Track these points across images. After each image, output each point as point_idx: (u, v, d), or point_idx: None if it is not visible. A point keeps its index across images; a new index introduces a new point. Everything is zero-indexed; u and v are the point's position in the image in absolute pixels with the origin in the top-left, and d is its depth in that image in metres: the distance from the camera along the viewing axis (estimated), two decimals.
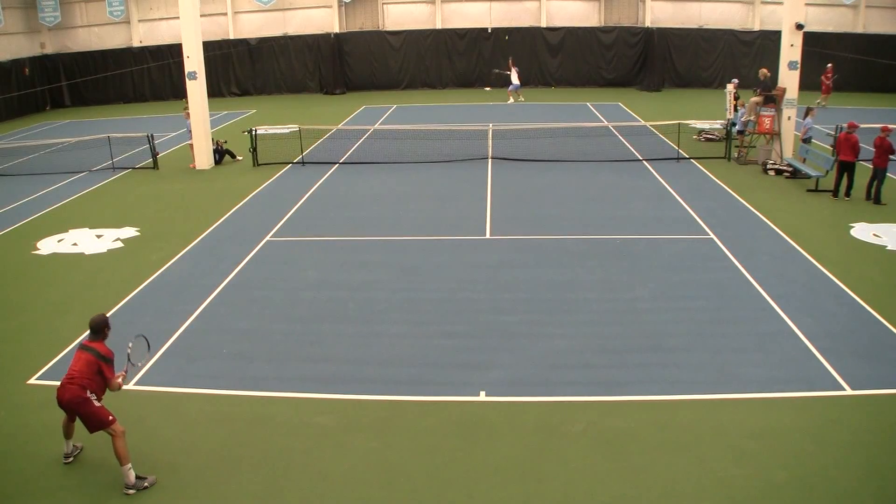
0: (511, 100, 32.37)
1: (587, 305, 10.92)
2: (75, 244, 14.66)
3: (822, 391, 8.39)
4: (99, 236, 15.11)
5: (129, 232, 15.27)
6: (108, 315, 7.74)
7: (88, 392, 6.97)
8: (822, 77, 29.44)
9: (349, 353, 9.65)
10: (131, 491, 6.92)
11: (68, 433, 7.45)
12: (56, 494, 6.98)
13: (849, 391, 8.38)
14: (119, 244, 14.54)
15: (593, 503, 6.70)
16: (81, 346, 7.25)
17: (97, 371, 7.03)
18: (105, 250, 14.22)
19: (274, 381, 8.97)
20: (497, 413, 8.16)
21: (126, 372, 7.36)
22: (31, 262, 13.80)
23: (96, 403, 7.03)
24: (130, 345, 7.35)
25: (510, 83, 32.76)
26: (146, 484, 7.00)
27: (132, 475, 6.97)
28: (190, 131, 21.35)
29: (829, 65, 29.36)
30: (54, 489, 7.06)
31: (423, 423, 8.01)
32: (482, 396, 8.48)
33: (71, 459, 7.48)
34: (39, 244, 14.69)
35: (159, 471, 7.26)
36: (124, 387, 8.81)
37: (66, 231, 15.52)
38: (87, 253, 14.12)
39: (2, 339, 10.48)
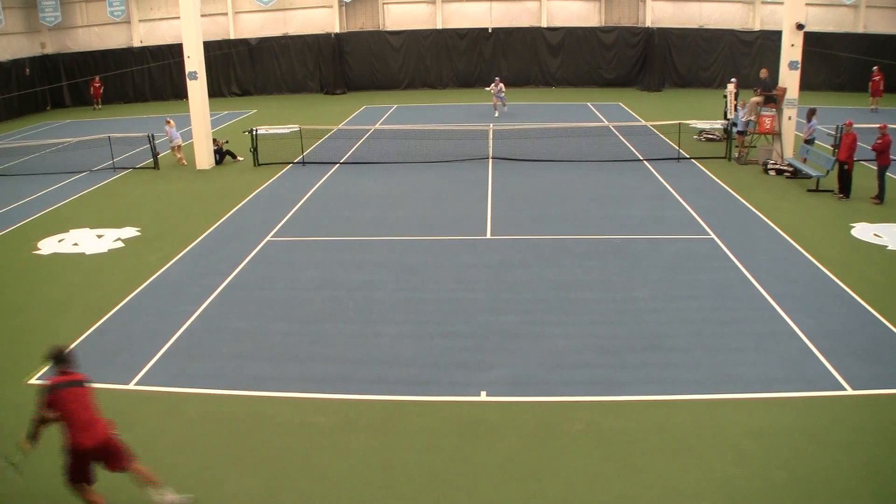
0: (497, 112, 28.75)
1: (587, 305, 10.92)
2: (76, 244, 14.66)
3: (822, 391, 8.39)
4: (99, 236, 15.11)
5: (130, 232, 15.27)
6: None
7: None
8: (871, 80, 29.12)
9: (349, 353, 9.65)
10: None
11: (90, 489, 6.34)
12: (57, 493, 6.97)
13: (849, 391, 8.38)
14: (120, 244, 14.54)
15: (593, 503, 6.70)
16: (71, 384, 6.22)
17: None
18: (106, 250, 14.22)
19: (274, 381, 8.96)
20: (497, 413, 8.15)
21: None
22: (31, 261, 13.80)
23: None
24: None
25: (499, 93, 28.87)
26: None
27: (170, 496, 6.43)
28: (171, 139, 21.77)
29: (875, 67, 29.15)
30: (55, 489, 7.05)
31: (422, 423, 8.01)
32: (482, 396, 8.48)
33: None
34: (40, 244, 14.70)
35: (159, 471, 7.25)
36: (124, 387, 8.88)
37: (67, 231, 15.53)
38: (87, 253, 14.12)
39: (2, 338, 10.48)
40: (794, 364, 9.00)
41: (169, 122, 21.98)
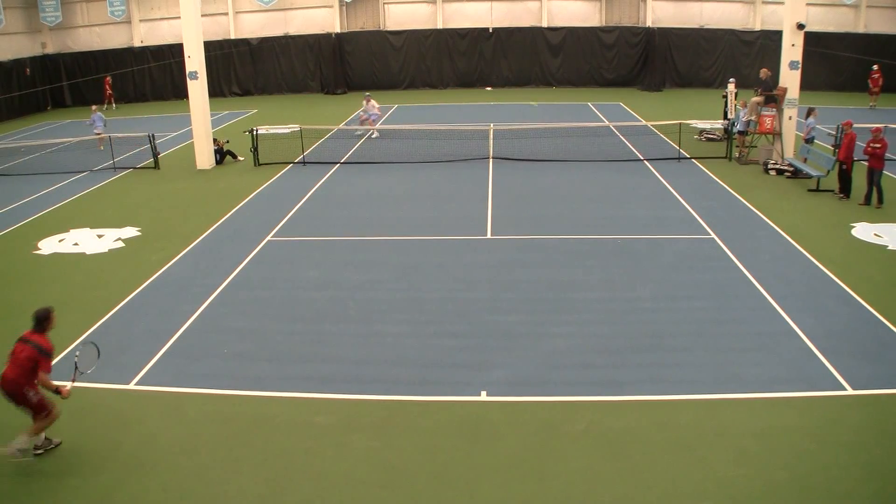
0: (374, 133, 25.28)
1: (588, 305, 10.91)
2: (76, 244, 14.66)
3: (823, 391, 8.38)
4: (100, 236, 15.11)
5: (130, 232, 15.27)
6: (51, 308, 7.66)
7: (25, 388, 7.14)
8: (870, 79, 29.21)
9: (350, 353, 9.64)
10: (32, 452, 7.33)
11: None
12: (57, 494, 6.99)
13: (850, 391, 8.37)
14: (120, 244, 14.54)
15: (594, 503, 6.70)
16: (20, 339, 7.33)
17: (34, 367, 7.13)
18: (106, 250, 14.22)
19: (274, 381, 8.96)
20: (498, 413, 8.15)
21: (74, 380, 7.38)
22: (32, 261, 13.80)
23: (34, 399, 7.21)
24: (78, 353, 7.49)
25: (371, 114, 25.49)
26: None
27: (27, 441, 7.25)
28: (91, 122, 24.07)
29: (875, 66, 29.21)
30: (55, 489, 7.06)
31: (423, 423, 8.00)
32: (483, 396, 8.48)
33: (41, 451, 7.53)
34: (40, 244, 14.70)
35: (159, 471, 7.27)
36: (124, 387, 8.87)
37: (67, 231, 15.52)
38: (88, 253, 14.12)
39: (2, 338, 10.44)
40: (794, 364, 9.00)
41: (93, 109, 24.52)
